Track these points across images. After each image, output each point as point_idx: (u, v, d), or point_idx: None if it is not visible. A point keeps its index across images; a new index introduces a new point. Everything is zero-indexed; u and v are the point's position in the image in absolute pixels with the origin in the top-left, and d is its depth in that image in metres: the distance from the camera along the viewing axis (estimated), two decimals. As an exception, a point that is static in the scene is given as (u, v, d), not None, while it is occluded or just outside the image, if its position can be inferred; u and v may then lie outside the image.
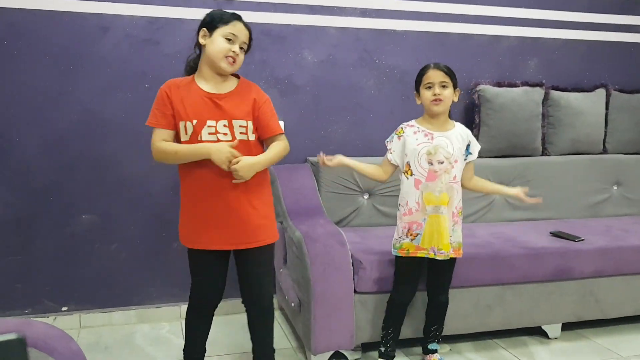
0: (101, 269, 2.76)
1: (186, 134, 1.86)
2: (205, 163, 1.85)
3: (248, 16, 2.74)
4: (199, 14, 2.68)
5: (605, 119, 3.28)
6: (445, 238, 2.15)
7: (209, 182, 1.88)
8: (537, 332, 2.66)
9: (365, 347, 2.46)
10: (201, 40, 1.90)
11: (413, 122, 2.23)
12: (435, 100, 2.13)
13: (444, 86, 2.14)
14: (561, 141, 3.20)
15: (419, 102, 2.22)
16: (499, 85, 3.09)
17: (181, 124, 1.86)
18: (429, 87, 2.15)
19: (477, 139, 3.06)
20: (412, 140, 2.17)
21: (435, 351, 2.36)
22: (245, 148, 1.89)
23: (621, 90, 3.31)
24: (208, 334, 2.11)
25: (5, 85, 2.55)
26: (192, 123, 1.85)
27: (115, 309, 2.80)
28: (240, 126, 1.89)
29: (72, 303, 2.75)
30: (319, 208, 2.64)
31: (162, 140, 1.88)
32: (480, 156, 3.04)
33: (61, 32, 2.59)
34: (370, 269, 2.31)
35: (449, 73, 2.15)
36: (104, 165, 2.70)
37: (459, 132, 2.20)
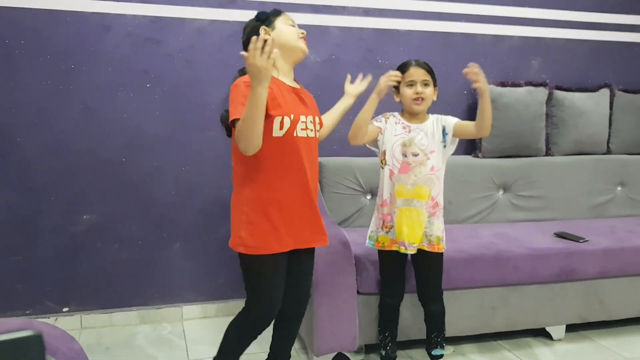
0: (102, 270, 2.75)
1: (281, 129, 1.74)
2: (294, 156, 1.77)
3: (251, 15, 2.73)
4: (201, 13, 2.70)
5: (609, 119, 3.26)
6: (417, 232, 2.08)
7: (297, 181, 1.80)
8: (541, 333, 2.65)
9: (369, 349, 2.45)
10: (265, 36, 1.74)
11: (396, 113, 2.21)
12: (417, 98, 2.10)
13: (425, 84, 2.11)
14: (565, 141, 3.18)
15: (397, 100, 2.19)
16: (503, 85, 3.07)
17: (276, 119, 1.73)
18: (411, 85, 2.11)
19: (480, 139, 3.06)
20: (391, 130, 2.15)
21: (439, 357, 2.28)
22: (317, 145, 1.90)
23: (625, 90, 3.29)
24: None
25: (7, 84, 2.53)
26: (290, 118, 1.75)
27: (117, 310, 2.78)
28: (318, 123, 1.90)
29: (73, 304, 2.74)
30: (322, 209, 2.63)
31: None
32: (484, 156, 3.07)
33: (63, 31, 2.57)
34: (373, 270, 2.30)
35: (430, 71, 2.12)
36: (105, 165, 2.69)
37: (432, 121, 2.16)
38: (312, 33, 2.86)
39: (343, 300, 2.25)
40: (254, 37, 1.56)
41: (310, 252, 1.94)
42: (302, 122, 1.80)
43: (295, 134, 1.77)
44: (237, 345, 1.90)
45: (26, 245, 2.64)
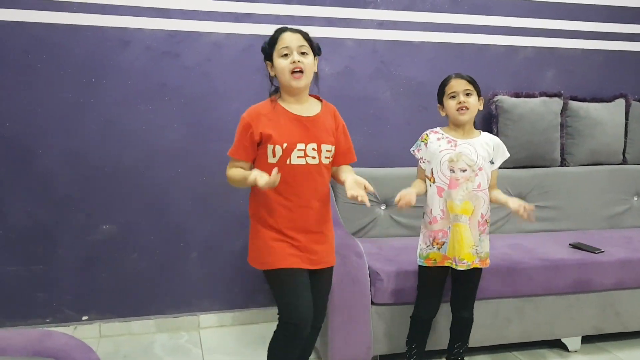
0: (121, 279, 2.79)
1: (274, 156, 1.82)
2: (294, 182, 1.84)
3: (266, 29, 2.79)
4: (217, 27, 2.76)
5: (625, 129, 3.25)
6: (465, 247, 2.10)
7: (291, 205, 1.86)
8: (557, 344, 2.63)
9: (382, 359, 2.45)
10: (272, 73, 1.90)
11: (438, 129, 2.20)
12: (461, 108, 2.10)
13: (468, 94, 2.11)
14: (580, 152, 3.18)
15: (443, 114, 2.19)
16: (517, 95, 3.08)
17: (269, 147, 1.82)
18: (453, 97, 2.12)
19: (495, 149, 3.05)
20: (435, 147, 2.14)
21: None
22: (328, 172, 1.92)
23: (641, 100, 3.28)
24: None
25: (28, 97, 2.60)
26: (282, 147, 1.81)
27: (135, 318, 2.83)
28: (327, 150, 1.89)
29: (92, 312, 2.78)
30: (336, 219, 2.65)
31: (232, 168, 1.89)
32: (498, 167, 3.06)
33: (83, 46, 2.64)
34: (387, 281, 2.31)
35: (472, 81, 2.13)
36: (124, 176, 2.74)
37: (485, 141, 2.17)
38: (326, 45, 2.89)
39: (357, 311, 2.27)
40: (275, 176, 1.70)
41: (326, 271, 1.96)
42: (299, 149, 1.83)
43: (288, 162, 1.82)
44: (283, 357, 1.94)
45: (47, 254, 2.70)
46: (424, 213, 2.20)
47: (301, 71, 1.83)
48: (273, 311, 2.95)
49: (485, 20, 3.12)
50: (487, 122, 3.14)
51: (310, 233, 1.88)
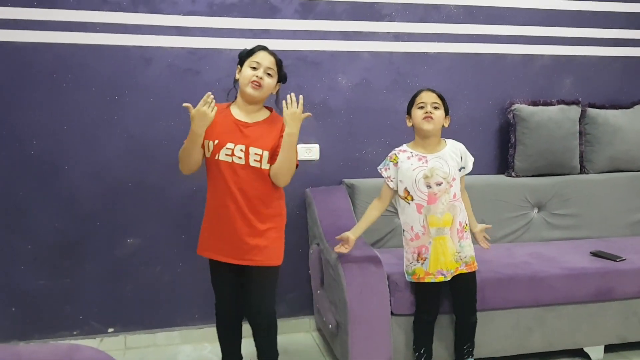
0: (145, 291, 2.85)
1: (208, 151, 2.09)
2: (220, 177, 2.08)
3: (284, 44, 2.85)
4: (237, 44, 2.81)
5: (645, 136, 3.22)
6: (450, 257, 2.19)
7: (220, 198, 2.10)
8: (579, 354, 2.62)
9: (404, 369, 2.46)
10: (237, 76, 2.16)
11: (404, 146, 2.30)
12: (427, 117, 2.19)
13: (435, 107, 2.21)
14: (600, 159, 3.16)
15: (410, 125, 2.31)
16: (535, 104, 3.08)
17: (206, 142, 2.08)
18: (421, 107, 2.22)
19: (513, 158, 3.06)
20: (406, 166, 2.22)
21: None
22: (257, 175, 2.09)
23: (660, 106, 3.25)
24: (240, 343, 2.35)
25: (55, 115, 2.68)
26: (213, 142, 2.07)
27: (159, 330, 2.88)
28: (255, 154, 2.07)
29: (118, 324, 2.84)
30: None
31: None
32: (517, 175, 3.07)
33: (107, 65, 2.72)
34: (406, 291, 2.33)
35: (441, 97, 2.24)
36: (147, 190, 2.81)
37: (451, 149, 2.25)
38: (343, 58, 2.96)
39: (377, 322, 2.28)
40: (209, 93, 2.01)
41: (255, 269, 2.13)
42: (228, 148, 2.06)
43: (217, 157, 2.07)
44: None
45: (73, 268, 2.77)
46: (403, 230, 2.27)
47: (259, 85, 2.07)
48: (295, 322, 3.00)
49: (501, 30, 3.14)
50: (505, 130, 3.15)
51: (234, 229, 2.08)
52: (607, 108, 3.20)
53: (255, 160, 2.07)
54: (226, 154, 2.06)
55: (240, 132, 2.08)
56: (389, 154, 2.31)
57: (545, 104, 3.09)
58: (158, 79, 2.77)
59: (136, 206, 2.80)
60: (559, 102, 3.11)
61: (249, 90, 2.07)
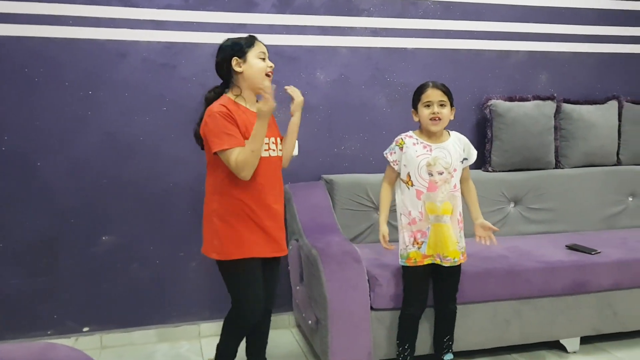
0: (122, 289, 2.81)
1: None
2: (260, 174, 2.00)
3: (261, 38, 2.79)
4: (213, 38, 2.78)
5: (618, 131, 3.28)
6: (450, 245, 2.21)
7: (258, 196, 2.02)
8: (556, 346, 2.65)
9: (383, 364, 2.47)
10: (237, 69, 2.02)
11: (411, 133, 2.30)
12: (434, 118, 2.20)
13: (442, 105, 2.21)
14: (574, 154, 3.21)
15: (416, 120, 2.30)
16: (511, 99, 3.11)
17: (247, 142, 1.95)
18: (428, 106, 2.21)
19: (490, 153, 3.09)
20: (412, 152, 2.24)
21: None
22: (280, 163, 2.13)
23: (633, 102, 3.31)
24: None
25: (26, 110, 2.62)
26: None
27: (136, 329, 2.84)
28: (280, 143, 2.12)
29: (94, 323, 2.80)
30: (334, 225, 2.67)
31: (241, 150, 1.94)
32: (494, 170, 3.10)
33: (80, 59, 2.67)
34: (386, 286, 2.33)
35: (447, 92, 2.22)
36: (124, 187, 2.76)
37: (455, 141, 2.27)
38: (321, 54, 2.94)
39: (357, 317, 2.28)
40: (268, 85, 1.92)
41: (277, 259, 2.15)
42: (265, 143, 2.01)
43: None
44: (233, 339, 2.15)
45: (48, 266, 2.71)
46: (401, 214, 2.28)
47: (270, 76, 2.05)
48: (274, 318, 2.95)
49: (477, 26, 3.16)
50: (482, 126, 3.17)
51: (267, 222, 2.03)
52: (581, 103, 3.24)
53: (280, 149, 2.11)
54: (265, 149, 2.01)
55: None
56: (395, 139, 2.30)
57: (521, 99, 3.12)
58: (133, 74, 2.73)
59: (112, 203, 2.76)
60: (535, 98, 3.14)
61: (267, 82, 2.00)
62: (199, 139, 2.07)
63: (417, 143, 2.25)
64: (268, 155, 2.03)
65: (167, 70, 2.77)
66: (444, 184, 2.20)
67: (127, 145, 2.75)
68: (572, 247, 2.72)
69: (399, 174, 2.29)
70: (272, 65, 2.05)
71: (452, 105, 2.25)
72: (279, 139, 2.12)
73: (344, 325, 2.26)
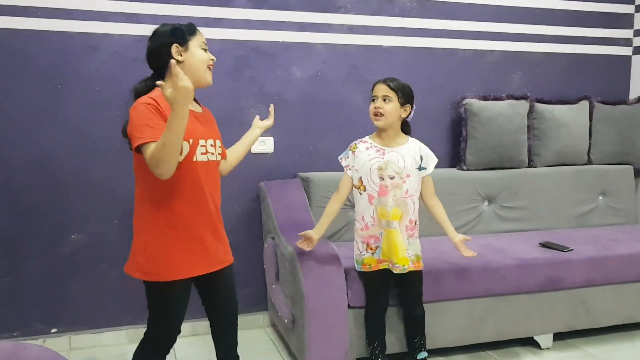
0: (90, 290, 2.73)
1: (181, 154, 1.69)
2: (196, 181, 1.76)
3: (237, 34, 2.79)
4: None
5: (589, 130, 3.33)
6: (399, 252, 2.19)
7: (197, 204, 1.78)
8: (530, 342, 2.68)
9: (360, 362, 2.45)
10: (178, 57, 1.77)
11: (366, 138, 2.28)
12: (375, 113, 2.18)
13: (385, 100, 2.16)
14: (547, 153, 3.25)
15: None
16: (485, 98, 3.13)
17: None
18: (373, 100, 2.20)
19: (465, 152, 3.10)
20: (364, 156, 2.21)
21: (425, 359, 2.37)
22: (217, 168, 1.88)
23: (604, 102, 3.37)
24: None
25: (-8, 105, 2.53)
26: (188, 143, 1.72)
27: (106, 330, 2.76)
28: (219, 146, 1.88)
29: (62, 325, 2.71)
30: (311, 223, 2.64)
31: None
32: (468, 168, 3.11)
33: (48, 52, 2.58)
34: (363, 283, 2.31)
35: (395, 88, 2.16)
36: (92, 185, 2.68)
37: (412, 147, 2.23)
38: (297, 50, 2.92)
39: (334, 315, 2.26)
40: (173, 62, 1.54)
41: (227, 268, 1.92)
42: (202, 146, 1.77)
43: (195, 159, 1.75)
44: None
45: (13, 266, 2.62)
46: (355, 220, 2.27)
47: (211, 70, 1.84)
48: (249, 318, 2.94)
49: (453, 25, 3.17)
50: (457, 125, 3.19)
51: (211, 232, 1.82)
52: (554, 103, 3.29)
53: (219, 153, 1.87)
54: (202, 153, 1.77)
55: (201, 124, 1.81)
56: (351, 144, 2.29)
57: (495, 98, 3.15)
58: (103, 68, 2.66)
59: (80, 201, 2.68)
60: (509, 97, 3.17)
61: (208, 76, 1.82)
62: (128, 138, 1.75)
63: (371, 147, 2.22)
64: (207, 160, 1.78)
65: (139, 65, 2.68)
66: (395, 189, 2.17)
67: (96, 142, 2.67)
68: (546, 245, 2.75)
69: (352, 180, 2.25)
70: (214, 58, 1.85)
71: (406, 104, 2.19)
72: (218, 142, 1.86)
73: (321, 324, 2.24)
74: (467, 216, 3.05)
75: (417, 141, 2.29)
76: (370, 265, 2.22)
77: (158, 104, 1.69)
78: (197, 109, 1.88)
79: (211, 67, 1.84)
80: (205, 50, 1.83)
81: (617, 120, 3.35)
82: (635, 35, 3.52)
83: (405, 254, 2.19)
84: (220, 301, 1.96)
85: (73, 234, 2.69)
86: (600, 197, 3.33)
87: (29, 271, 2.64)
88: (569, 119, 3.24)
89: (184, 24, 1.85)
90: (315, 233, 2.22)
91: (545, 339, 2.65)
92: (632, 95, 3.53)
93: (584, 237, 2.92)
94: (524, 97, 3.19)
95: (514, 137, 3.13)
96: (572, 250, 2.68)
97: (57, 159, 2.63)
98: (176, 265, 1.77)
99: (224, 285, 1.94)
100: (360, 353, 2.37)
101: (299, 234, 2.26)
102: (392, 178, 2.17)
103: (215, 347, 2.02)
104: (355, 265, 2.28)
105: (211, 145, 1.82)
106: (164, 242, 1.75)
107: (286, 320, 2.41)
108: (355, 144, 2.27)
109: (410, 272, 2.22)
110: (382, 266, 2.21)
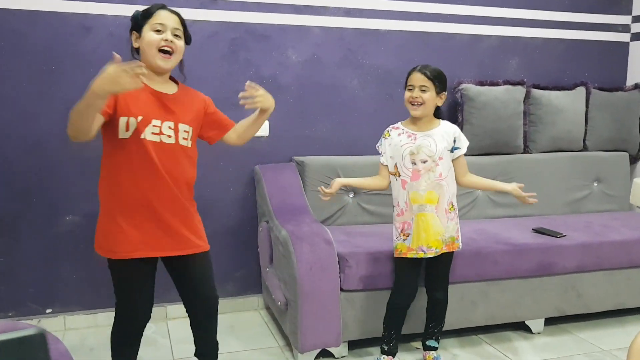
0: (85, 270, 2.74)
1: (127, 130, 1.73)
2: (147, 159, 1.75)
3: (232, 15, 2.77)
4: (183, 13, 2.68)
5: (585, 117, 3.33)
6: (433, 235, 2.17)
7: (151, 183, 1.78)
8: (521, 327, 2.70)
9: (352, 345, 2.47)
10: (135, 45, 1.82)
11: (399, 124, 2.27)
12: (413, 102, 2.17)
13: (423, 90, 2.16)
14: (542, 139, 3.25)
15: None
16: (481, 84, 3.12)
17: (122, 120, 1.73)
18: (410, 89, 2.18)
19: (460, 137, 3.10)
20: (397, 142, 2.21)
21: (433, 348, 2.37)
22: (184, 153, 1.85)
23: (600, 89, 3.36)
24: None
25: (-14, 85, 2.52)
26: (136, 119, 1.73)
27: (100, 310, 2.78)
28: (184, 131, 1.83)
29: (57, 305, 2.73)
30: (305, 207, 2.65)
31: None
32: (464, 154, 3.11)
33: (43, 32, 2.56)
34: (356, 267, 2.33)
35: (432, 77, 2.15)
36: (87, 165, 2.68)
37: (444, 130, 2.23)
38: (293, 33, 2.90)
39: (327, 298, 2.28)
40: (138, 63, 1.57)
41: (197, 256, 1.89)
42: (155, 126, 1.75)
43: (142, 136, 1.74)
44: (120, 353, 1.94)
45: (8, 247, 2.63)
46: (393, 206, 2.26)
47: (171, 52, 1.78)
48: (243, 300, 2.96)
49: (450, 9, 3.15)
50: (453, 110, 3.18)
51: (169, 216, 1.80)
52: (550, 89, 3.28)
53: (184, 138, 1.82)
54: (153, 132, 1.75)
55: (165, 106, 1.79)
56: (384, 132, 2.28)
57: (492, 84, 3.14)
58: (98, 49, 2.64)
59: (75, 182, 2.68)
60: (505, 83, 3.17)
61: (160, 62, 1.77)
62: None
63: (403, 133, 2.22)
64: (159, 141, 1.76)
65: (134, 46, 2.68)
66: (428, 172, 2.16)
67: (92, 123, 2.66)
68: (539, 231, 2.77)
69: (387, 167, 2.25)
70: (169, 38, 1.76)
71: (442, 91, 2.19)
72: (185, 127, 1.83)
73: (314, 307, 2.26)
74: (462, 201, 3.05)
75: (448, 122, 2.27)
76: (401, 251, 2.21)
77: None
78: (168, 90, 1.85)
79: (165, 48, 1.77)
80: (158, 31, 1.77)
81: (614, 106, 3.35)
82: (633, 22, 3.50)
83: (439, 237, 2.18)
84: (195, 290, 1.94)
85: (68, 215, 2.69)
86: (595, 184, 3.34)
87: (24, 252, 2.65)
88: (565, 105, 3.24)
89: (150, 6, 1.82)
90: (342, 179, 2.26)
91: (536, 324, 2.68)
92: (629, 82, 3.53)
93: (577, 223, 2.94)
94: (521, 83, 3.18)
95: (510, 123, 3.13)
96: (564, 236, 2.69)
97: (52, 139, 2.63)
98: (126, 243, 1.77)
99: (196, 274, 1.92)
100: (353, 336, 2.40)
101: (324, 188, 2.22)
102: (424, 162, 2.16)
103: (194, 335, 2.01)
104: (394, 251, 2.25)
105: (169, 127, 1.79)
106: (114, 218, 1.78)
107: (279, 303, 2.43)
108: (388, 131, 2.27)
109: (442, 254, 2.22)
110: (410, 255, 2.18)
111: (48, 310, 2.72)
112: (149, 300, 1.92)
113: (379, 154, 2.28)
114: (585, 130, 3.35)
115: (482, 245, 2.55)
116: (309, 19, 2.91)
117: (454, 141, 2.24)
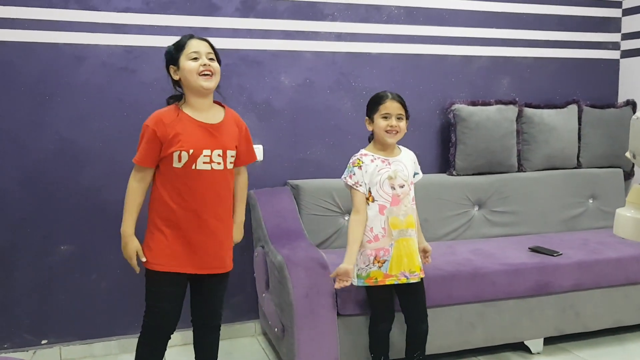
0: (81, 300, 2.72)
1: (179, 162, 1.91)
2: (198, 186, 1.93)
3: (225, 43, 2.79)
4: (174, 41, 2.72)
5: (578, 134, 3.35)
6: (415, 260, 2.18)
7: (191, 208, 1.95)
8: (520, 347, 2.68)
9: (350, 370, 2.45)
10: (175, 77, 1.97)
11: (364, 151, 2.25)
12: (391, 131, 2.17)
13: (399, 118, 2.18)
14: (536, 157, 3.26)
15: (370, 129, 2.25)
16: (474, 104, 3.14)
17: (175, 154, 1.90)
18: (385, 117, 2.17)
19: (454, 157, 3.12)
20: (372, 168, 2.18)
21: None
22: (231, 176, 2.03)
23: (592, 106, 3.39)
24: None
25: (-21, 117, 2.53)
26: (188, 153, 1.90)
27: (96, 340, 2.76)
28: (231, 156, 1.99)
29: (52, 336, 2.70)
30: (300, 231, 2.65)
31: (137, 181, 1.98)
32: (458, 174, 3.12)
33: (36, 63, 2.58)
34: (353, 292, 2.31)
35: (405, 105, 2.20)
36: (82, 195, 2.68)
37: (407, 156, 2.27)
38: (285, 58, 2.92)
39: (323, 323, 2.26)
40: (135, 265, 2.01)
41: (222, 275, 2.07)
42: (206, 155, 1.92)
43: (194, 167, 1.92)
44: (146, 351, 2.05)
45: (2, 277, 2.61)
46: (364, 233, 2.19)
47: (211, 73, 1.93)
48: (240, 326, 2.94)
49: (440, 31, 3.18)
50: (446, 130, 3.20)
51: (205, 238, 1.97)
52: (542, 108, 3.30)
53: (230, 162, 2.00)
54: (204, 162, 1.92)
55: (212, 135, 1.95)
56: (351, 161, 2.22)
57: (484, 103, 3.16)
58: (91, 78, 2.66)
59: (70, 211, 2.68)
60: (497, 102, 3.19)
61: (204, 83, 1.91)
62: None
63: (375, 159, 2.19)
64: (210, 169, 1.94)
65: (126, 75, 2.71)
66: (405, 197, 2.18)
67: (85, 152, 2.67)
68: (535, 249, 2.76)
69: (364, 195, 2.19)
70: (207, 63, 1.92)
71: (408, 118, 2.23)
72: (229, 152, 1.98)
73: (311, 332, 2.24)
74: (457, 221, 3.06)
75: (405, 148, 2.31)
76: (376, 279, 2.16)
77: (157, 122, 1.91)
78: (215, 117, 1.99)
79: (205, 72, 1.92)
80: (195, 59, 1.92)
81: (606, 123, 3.36)
82: (623, 39, 3.54)
83: (417, 260, 2.19)
84: (204, 304, 2.09)
85: (63, 245, 2.68)
86: (590, 201, 3.35)
87: (19, 282, 2.64)
88: (558, 123, 3.25)
89: (179, 38, 1.99)
90: (347, 264, 2.14)
91: (535, 344, 2.66)
92: (621, 99, 3.56)
93: (573, 241, 2.93)
94: (513, 102, 3.21)
95: (503, 142, 3.14)
96: (561, 254, 2.69)
97: (46, 169, 2.63)
98: (162, 257, 1.95)
99: (218, 293, 2.09)
100: (351, 361, 2.38)
101: (331, 275, 2.20)
102: (402, 187, 2.17)
103: (195, 353, 2.14)
104: (357, 280, 2.18)
105: (219, 155, 1.95)
106: (157, 235, 1.96)
107: (276, 329, 2.41)
108: (358, 159, 2.20)
109: (413, 282, 2.19)
110: (389, 281, 2.15)
111: (43, 341, 2.69)
112: (173, 313, 2.02)
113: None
114: (579, 147, 3.36)
115: (478, 265, 2.54)
116: (300, 44, 2.94)
117: (414, 165, 2.28)
